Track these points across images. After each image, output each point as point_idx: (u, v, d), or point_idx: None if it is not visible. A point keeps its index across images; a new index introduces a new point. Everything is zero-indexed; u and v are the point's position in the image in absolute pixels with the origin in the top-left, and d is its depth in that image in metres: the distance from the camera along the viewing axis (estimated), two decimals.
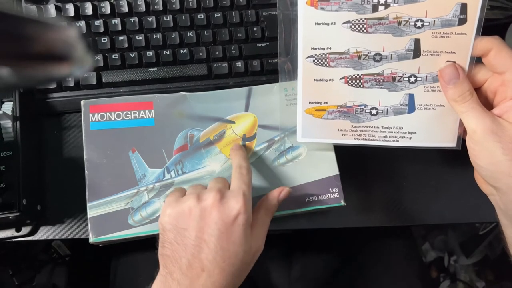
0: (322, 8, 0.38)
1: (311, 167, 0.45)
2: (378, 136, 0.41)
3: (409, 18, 0.37)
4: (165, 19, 0.50)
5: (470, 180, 0.42)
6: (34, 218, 0.47)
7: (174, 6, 0.50)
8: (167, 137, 0.44)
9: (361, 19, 0.38)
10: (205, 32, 0.50)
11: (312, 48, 0.39)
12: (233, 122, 0.45)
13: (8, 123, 0.46)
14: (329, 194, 0.45)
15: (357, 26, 0.38)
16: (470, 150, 0.38)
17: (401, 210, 0.52)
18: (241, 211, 0.35)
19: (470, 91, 0.37)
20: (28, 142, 0.46)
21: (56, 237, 0.48)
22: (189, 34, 0.50)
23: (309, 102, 0.41)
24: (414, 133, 0.41)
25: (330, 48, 0.39)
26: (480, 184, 0.40)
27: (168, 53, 0.49)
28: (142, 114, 0.45)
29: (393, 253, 0.64)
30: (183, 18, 0.50)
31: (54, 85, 0.49)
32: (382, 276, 0.62)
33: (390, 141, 0.41)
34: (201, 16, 0.50)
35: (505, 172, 0.35)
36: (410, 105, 0.40)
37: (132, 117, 0.44)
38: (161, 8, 0.50)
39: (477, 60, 0.38)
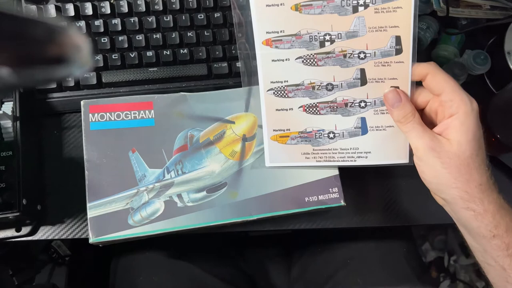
0: (276, 47, 0.41)
1: None
2: (338, 157, 0.44)
3: (353, 51, 0.41)
4: (165, 19, 0.50)
5: None
6: (34, 218, 0.47)
7: (174, 6, 0.50)
8: (167, 137, 0.44)
9: (311, 54, 0.41)
10: (205, 32, 0.50)
11: (271, 82, 0.43)
12: (233, 122, 0.45)
13: (8, 123, 0.46)
14: (329, 194, 0.45)
15: (308, 61, 0.42)
16: (416, 166, 0.40)
17: (401, 210, 0.52)
18: None
19: (412, 113, 0.39)
20: (28, 142, 0.46)
21: (56, 237, 0.48)
22: (189, 34, 0.50)
23: (273, 130, 0.44)
24: (369, 152, 0.44)
25: (287, 81, 0.42)
26: (434, 196, 0.42)
27: (168, 53, 0.49)
28: (142, 114, 0.45)
29: (393, 253, 0.64)
30: (183, 18, 0.50)
31: (54, 85, 0.49)
32: (382, 276, 0.62)
33: (348, 161, 0.44)
34: (201, 16, 0.50)
35: (447, 184, 0.38)
36: (363, 128, 0.43)
37: (132, 117, 0.44)
38: (161, 8, 0.50)
39: (419, 84, 0.41)
